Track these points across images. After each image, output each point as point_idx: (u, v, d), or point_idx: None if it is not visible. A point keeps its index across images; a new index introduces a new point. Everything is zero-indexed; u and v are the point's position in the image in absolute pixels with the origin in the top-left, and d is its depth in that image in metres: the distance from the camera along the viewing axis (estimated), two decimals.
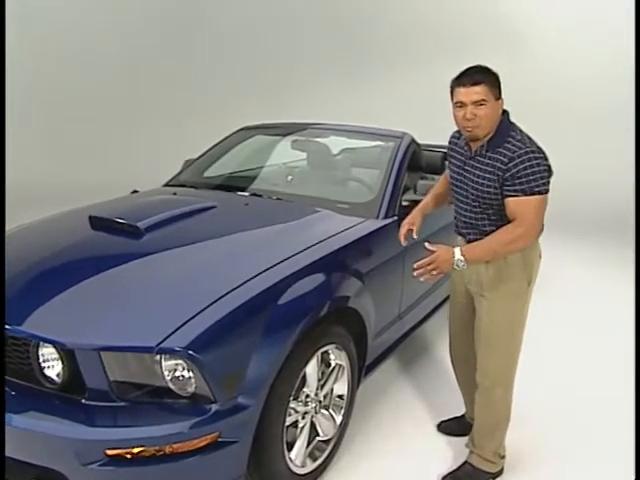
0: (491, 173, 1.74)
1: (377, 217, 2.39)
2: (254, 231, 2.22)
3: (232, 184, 2.94)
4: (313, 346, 1.83)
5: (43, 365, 1.57)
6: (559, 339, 3.25)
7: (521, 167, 1.67)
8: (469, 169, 1.83)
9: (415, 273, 1.75)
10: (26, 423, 1.47)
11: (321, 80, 7.95)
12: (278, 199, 2.59)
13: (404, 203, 2.50)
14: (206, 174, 3.08)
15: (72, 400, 1.52)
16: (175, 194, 2.66)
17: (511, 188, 1.70)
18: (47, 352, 1.56)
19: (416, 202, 2.48)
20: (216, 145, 3.26)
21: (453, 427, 2.33)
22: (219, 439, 1.53)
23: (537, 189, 1.68)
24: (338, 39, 8.00)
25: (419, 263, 1.73)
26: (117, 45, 8.18)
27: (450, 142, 2.00)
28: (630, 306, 3.57)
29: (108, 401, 1.50)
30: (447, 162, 2.02)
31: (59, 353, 1.53)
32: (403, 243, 2.07)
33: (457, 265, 1.71)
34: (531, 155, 1.68)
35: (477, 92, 1.71)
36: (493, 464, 2.04)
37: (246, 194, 2.68)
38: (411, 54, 7.78)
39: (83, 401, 1.51)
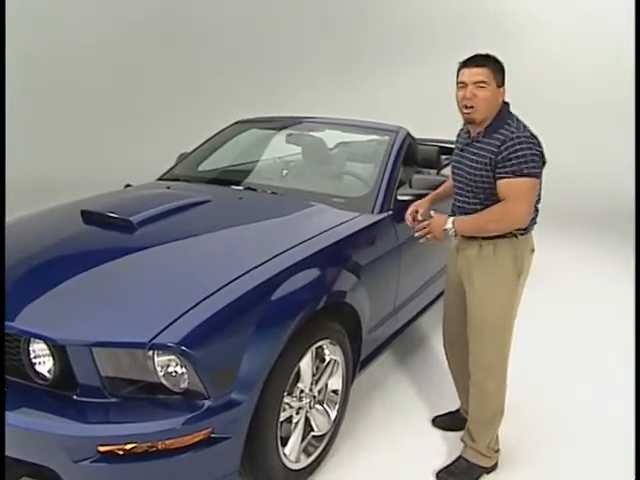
0: (484, 157, 1.79)
1: (372, 211, 2.38)
2: (248, 225, 2.20)
3: (226, 178, 2.92)
4: (307, 341, 1.82)
5: (34, 361, 1.55)
6: (557, 334, 3.25)
7: (512, 150, 1.72)
8: (466, 154, 1.88)
9: (416, 234, 1.93)
10: (17, 420, 1.45)
11: (317, 76, 7.92)
12: (272, 193, 2.57)
13: (399, 197, 2.48)
14: (200, 168, 3.06)
15: (63, 396, 1.51)
16: (169, 188, 2.64)
17: (502, 170, 1.75)
18: (38, 348, 1.54)
19: (412, 196, 2.47)
20: (210, 139, 3.24)
21: (447, 422, 2.33)
22: (212, 435, 1.51)
23: (527, 171, 1.72)
24: (334, 35, 7.97)
25: (419, 225, 1.93)
26: (112, 40, 8.12)
27: (457, 136, 2.04)
28: (630, 303, 3.57)
29: (100, 397, 1.49)
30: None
31: (50, 349, 1.52)
32: (409, 223, 2.11)
33: (447, 232, 1.83)
34: (523, 139, 1.73)
35: (479, 73, 1.77)
36: (488, 458, 2.04)
37: (240, 188, 2.66)
38: (408, 50, 7.76)
39: (75, 397, 1.50)
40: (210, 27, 8.14)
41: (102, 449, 1.43)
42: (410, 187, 2.52)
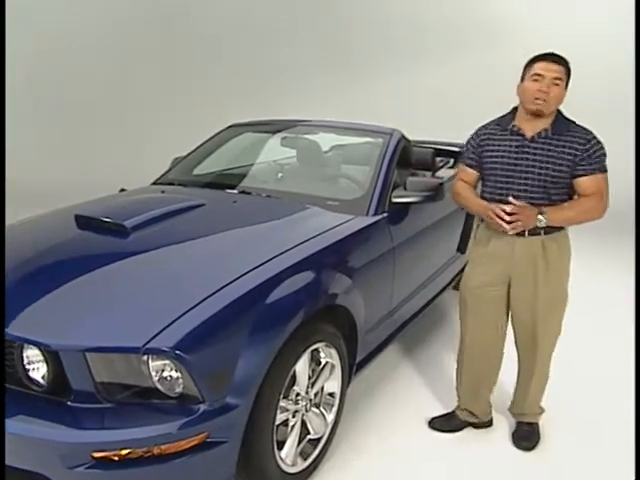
0: (567, 153, 1.89)
1: (367, 214, 2.38)
2: (242, 229, 2.20)
3: (221, 182, 2.92)
4: (303, 344, 1.82)
5: (28, 367, 1.54)
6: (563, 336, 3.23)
7: (597, 147, 1.89)
8: (531, 151, 1.93)
9: (508, 218, 1.88)
10: (11, 426, 1.44)
11: (311, 78, 7.92)
12: (267, 196, 2.57)
13: (394, 200, 2.48)
14: (195, 172, 3.05)
15: (57, 402, 1.50)
16: (163, 192, 2.64)
17: (588, 167, 1.88)
18: (32, 354, 1.54)
19: (407, 198, 2.47)
20: (205, 143, 3.23)
21: (444, 423, 2.33)
22: (208, 439, 1.51)
23: (605, 168, 1.91)
24: (326, 38, 7.97)
25: (510, 216, 1.87)
26: (106, 43, 8.11)
27: (480, 135, 2.08)
28: (630, 304, 3.57)
29: (94, 403, 1.48)
30: (472, 155, 2.10)
31: (44, 355, 1.51)
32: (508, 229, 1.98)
33: (539, 222, 1.88)
34: (598, 138, 1.92)
35: (557, 71, 1.87)
36: (540, 414, 2.29)
37: (235, 192, 2.65)
38: (400, 51, 7.78)
39: (69, 403, 1.49)
40: (205, 30, 8.14)
41: (97, 455, 1.43)
42: (405, 189, 2.52)
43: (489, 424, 2.34)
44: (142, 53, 8.14)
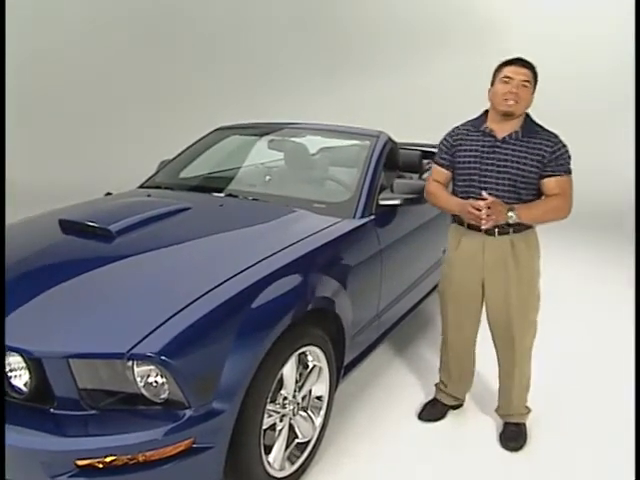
0: (537, 155, 1.97)
1: (354, 217, 2.38)
2: (229, 232, 2.19)
3: (208, 185, 2.91)
4: (290, 348, 1.81)
5: (9, 375, 1.52)
6: (556, 336, 3.18)
7: (563, 150, 1.97)
8: (502, 151, 2.00)
9: (484, 211, 1.91)
10: None
11: (298, 80, 7.93)
12: (254, 199, 2.56)
13: (381, 202, 2.49)
14: (182, 175, 3.03)
15: (40, 410, 1.48)
16: (149, 196, 2.62)
17: (555, 168, 1.97)
18: (14, 361, 1.51)
19: (394, 201, 2.48)
20: (192, 146, 3.22)
21: (430, 411, 2.42)
22: (194, 445, 1.50)
23: (570, 170, 2.00)
24: (316, 40, 7.99)
25: (479, 204, 1.91)
26: (106, 44, 8.07)
27: (454, 135, 2.13)
28: (630, 305, 3.58)
29: (78, 410, 1.46)
30: (445, 155, 2.15)
31: (26, 362, 1.49)
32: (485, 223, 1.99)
33: (510, 218, 1.94)
34: (564, 142, 2.00)
35: (525, 73, 1.97)
36: (526, 414, 2.30)
37: (222, 195, 2.64)
38: (388, 54, 7.81)
39: (52, 410, 1.47)
40: (193, 31, 8.12)
41: (80, 463, 1.41)
42: (392, 192, 2.53)
43: (462, 403, 2.49)
44: (141, 53, 8.09)
